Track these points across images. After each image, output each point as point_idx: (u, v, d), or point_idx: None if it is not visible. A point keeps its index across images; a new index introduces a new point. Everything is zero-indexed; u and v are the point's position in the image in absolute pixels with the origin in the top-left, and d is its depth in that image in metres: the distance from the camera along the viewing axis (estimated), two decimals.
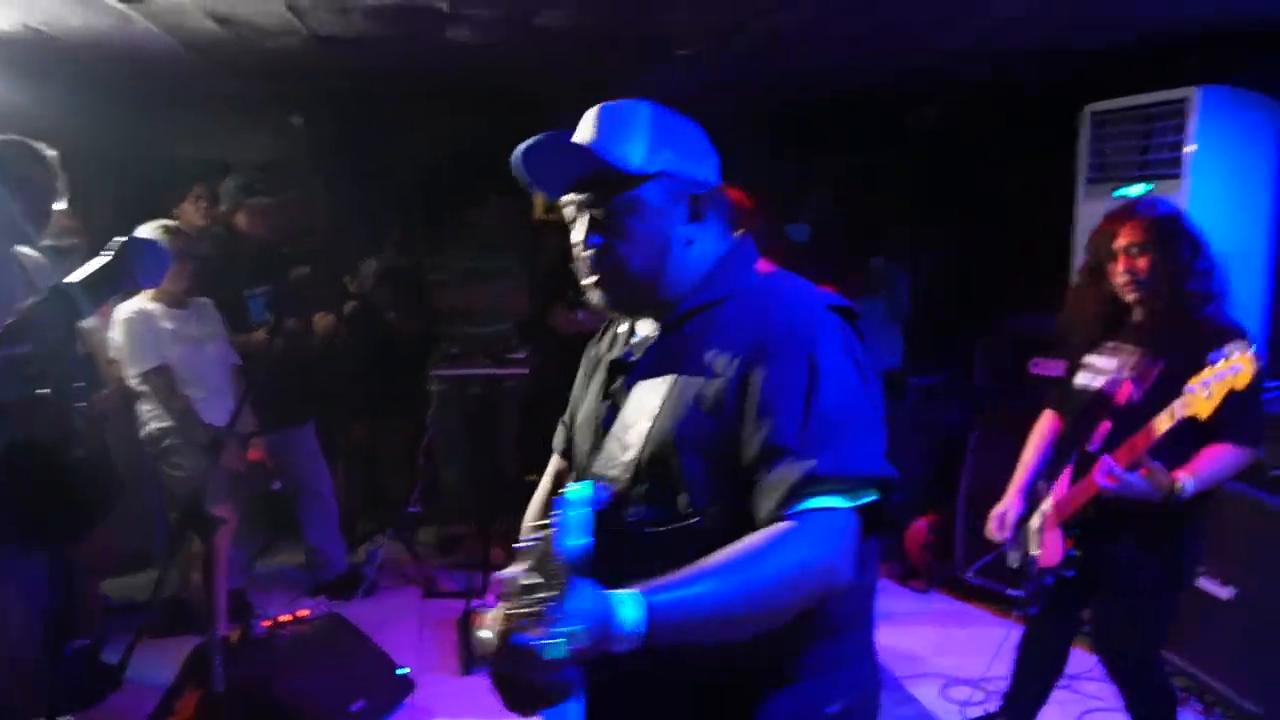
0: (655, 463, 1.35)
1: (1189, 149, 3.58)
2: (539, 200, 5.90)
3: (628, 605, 1.12)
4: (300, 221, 4.81)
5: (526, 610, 1.07)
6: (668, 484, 1.33)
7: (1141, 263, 2.54)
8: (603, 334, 1.64)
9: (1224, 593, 3.15)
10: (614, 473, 1.40)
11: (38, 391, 1.97)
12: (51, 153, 2.91)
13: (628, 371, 1.47)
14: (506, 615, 1.11)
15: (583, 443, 1.53)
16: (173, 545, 3.75)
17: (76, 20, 3.43)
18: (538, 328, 5.05)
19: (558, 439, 1.67)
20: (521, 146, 1.38)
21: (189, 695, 2.93)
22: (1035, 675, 3.00)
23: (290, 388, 4.13)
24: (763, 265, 1.48)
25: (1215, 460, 2.39)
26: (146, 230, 3.58)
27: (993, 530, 2.82)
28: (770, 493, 1.25)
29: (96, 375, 3.25)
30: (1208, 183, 3.55)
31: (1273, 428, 2.81)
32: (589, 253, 1.40)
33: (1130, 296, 2.58)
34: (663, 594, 1.15)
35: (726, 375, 1.31)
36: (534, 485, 1.71)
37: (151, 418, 3.71)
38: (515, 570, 1.14)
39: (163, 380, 3.67)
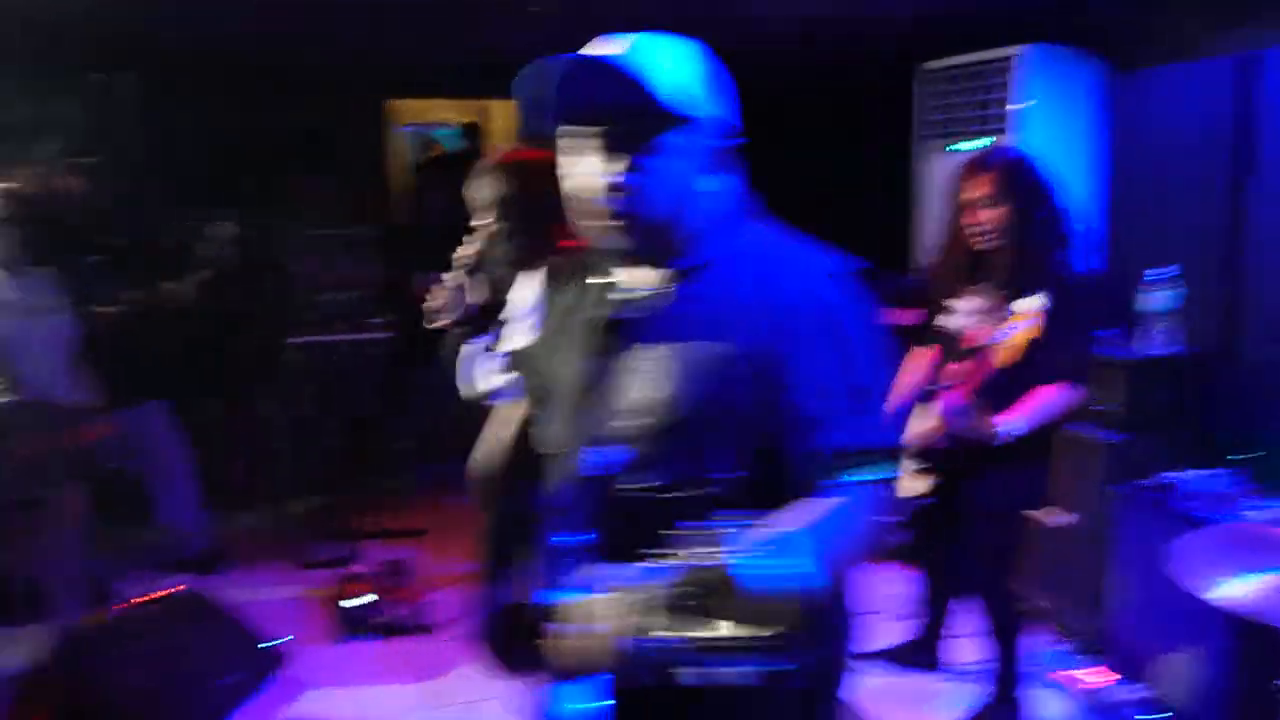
0: (670, 428, 1.30)
1: (1014, 106, 3.78)
2: (395, 168, 5.76)
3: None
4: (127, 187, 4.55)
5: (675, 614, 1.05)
6: (684, 450, 1.30)
7: (990, 215, 2.64)
8: (568, 283, 1.53)
9: (1058, 520, 3.41)
10: (628, 438, 1.33)
11: None
12: None
13: (627, 330, 1.37)
14: (639, 612, 1.07)
15: (564, 403, 1.43)
16: (4, 528, 3.55)
17: None
18: (396, 293, 4.94)
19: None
20: (533, 66, 1.26)
21: (33, 685, 2.80)
22: (933, 600, 3.26)
23: (136, 362, 3.94)
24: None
25: (1038, 403, 2.56)
26: None
27: None
28: (809, 465, 1.25)
29: None
30: (1034, 137, 3.71)
31: (1096, 368, 3.02)
32: (610, 194, 1.30)
33: (983, 247, 2.70)
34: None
35: (746, 341, 1.29)
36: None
37: None
38: (647, 575, 1.08)
39: None
